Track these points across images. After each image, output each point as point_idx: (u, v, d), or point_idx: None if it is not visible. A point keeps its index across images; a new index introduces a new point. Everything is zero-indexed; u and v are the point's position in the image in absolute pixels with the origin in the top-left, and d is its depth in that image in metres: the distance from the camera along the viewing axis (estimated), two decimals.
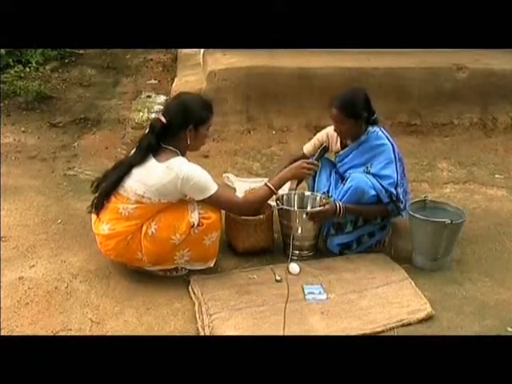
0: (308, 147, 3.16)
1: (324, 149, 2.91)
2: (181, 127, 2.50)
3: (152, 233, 2.50)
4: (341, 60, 4.61)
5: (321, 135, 3.13)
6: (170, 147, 2.51)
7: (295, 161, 2.88)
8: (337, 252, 2.91)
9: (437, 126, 4.62)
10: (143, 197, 2.48)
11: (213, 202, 2.54)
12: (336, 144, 3.07)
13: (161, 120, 2.51)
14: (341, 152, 3.01)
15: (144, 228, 2.51)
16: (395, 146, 2.90)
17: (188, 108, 2.52)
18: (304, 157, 3.06)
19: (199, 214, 2.52)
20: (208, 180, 2.50)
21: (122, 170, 2.52)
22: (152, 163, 2.48)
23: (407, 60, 4.67)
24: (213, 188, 2.50)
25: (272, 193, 2.64)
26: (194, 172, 2.48)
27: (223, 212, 2.82)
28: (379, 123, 2.95)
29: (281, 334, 2.27)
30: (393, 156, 2.86)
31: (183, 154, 2.56)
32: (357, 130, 2.87)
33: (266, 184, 2.66)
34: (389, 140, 2.91)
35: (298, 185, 2.86)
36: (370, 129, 2.89)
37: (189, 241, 2.52)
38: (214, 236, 2.58)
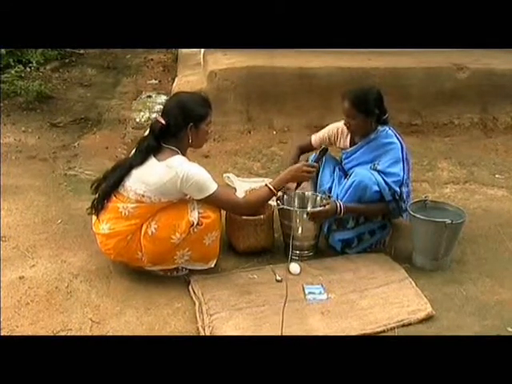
0: (316, 138, 3.15)
1: (323, 151, 2.90)
2: (181, 127, 2.51)
3: (152, 232, 2.50)
4: (341, 60, 4.61)
5: (331, 128, 3.11)
6: (171, 147, 2.52)
7: (301, 151, 2.99)
8: (338, 248, 2.91)
9: (437, 125, 4.62)
10: (143, 196, 2.48)
11: (212, 202, 2.54)
12: (346, 140, 3.06)
13: (160, 122, 2.51)
14: (348, 149, 3.01)
15: (144, 227, 2.51)
16: (404, 146, 2.91)
17: (186, 107, 2.53)
18: (310, 146, 3.11)
19: (199, 213, 2.52)
20: (208, 179, 2.50)
21: (122, 171, 2.53)
22: (152, 162, 2.49)
23: (407, 60, 4.67)
24: (212, 187, 2.50)
25: (272, 194, 2.65)
26: (194, 171, 2.48)
27: (224, 212, 2.83)
28: (389, 123, 2.95)
29: (283, 334, 2.27)
30: (401, 155, 2.86)
31: (184, 153, 2.57)
32: (367, 126, 2.88)
33: (266, 185, 2.66)
34: (398, 139, 2.91)
35: (297, 187, 2.85)
36: (380, 128, 2.90)
37: (189, 240, 2.52)
38: (214, 235, 2.58)
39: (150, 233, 2.50)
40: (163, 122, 2.50)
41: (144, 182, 2.47)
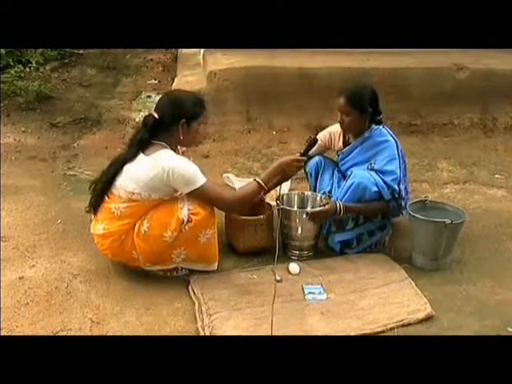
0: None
1: (310, 142, 2.82)
2: (173, 122, 2.52)
3: (144, 231, 2.50)
4: (341, 60, 4.61)
5: (323, 134, 3.13)
6: (160, 142, 2.53)
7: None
8: (337, 250, 2.91)
9: (437, 125, 4.62)
10: (133, 193, 2.49)
11: (201, 196, 2.51)
12: (338, 142, 3.08)
13: (153, 116, 2.53)
14: (344, 150, 3.02)
15: (136, 227, 2.52)
16: (398, 143, 2.92)
17: (180, 103, 2.55)
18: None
19: (188, 210, 2.50)
20: (195, 173, 2.49)
21: (116, 168, 2.55)
22: (140, 158, 2.50)
23: (407, 60, 4.67)
24: (200, 181, 2.49)
25: (261, 188, 2.61)
26: (180, 164, 2.48)
27: (223, 213, 2.83)
28: (383, 124, 2.97)
29: (282, 334, 2.27)
30: (396, 152, 2.87)
31: (174, 149, 2.57)
32: (360, 124, 2.89)
33: (254, 179, 2.64)
34: (392, 137, 2.93)
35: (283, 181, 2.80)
36: (374, 127, 2.91)
37: (183, 239, 2.52)
38: (208, 233, 2.56)
39: (142, 232, 2.51)
40: (156, 116, 2.52)
41: (133, 179, 2.49)
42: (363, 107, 2.84)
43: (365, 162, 2.90)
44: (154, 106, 2.65)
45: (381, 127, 2.94)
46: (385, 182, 2.80)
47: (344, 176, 2.98)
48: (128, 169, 2.51)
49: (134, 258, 2.57)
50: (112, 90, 5.42)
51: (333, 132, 3.10)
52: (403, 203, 2.87)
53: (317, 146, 3.02)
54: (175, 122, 2.52)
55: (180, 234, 2.49)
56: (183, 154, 2.71)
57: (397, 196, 2.82)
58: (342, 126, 2.95)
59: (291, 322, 2.36)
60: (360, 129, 2.92)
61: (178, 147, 2.68)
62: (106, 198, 2.55)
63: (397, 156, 2.87)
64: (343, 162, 3.02)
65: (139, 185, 2.48)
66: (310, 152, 2.95)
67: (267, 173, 2.66)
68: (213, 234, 2.60)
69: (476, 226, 3.20)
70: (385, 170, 2.83)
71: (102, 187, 2.56)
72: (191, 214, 2.50)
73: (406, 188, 2.93)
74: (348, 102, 2.83)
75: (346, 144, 3.03)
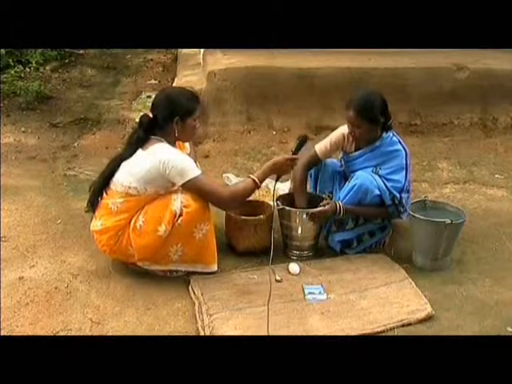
0: (322, 148, 3.00)
1: (301, 141, 2.76)
2: (167, 120, 2.54)
3: (140, 226, 2.51)
4: (341, 60, 4.60)
5: (337, 136, 3.01)
6: (157, 137, 2.54)
7: (309, 167, 2.95)
8: (337, 249, 2.91)
9: (437, 126, 4.61)
10: (129, 187, 2.50)
11: (195, 188, 2.51)
12: (351, 145, 2.99)
13: (148, 116, 2.55)
14: (352, 153, 2.97)
15: (132, 222, 2.53)
16: (408, 152, 2.89)
17: (173, 101, 2.57)
18: (317, 158, 3.00)
19: (181, 203, 2.50)
20: (189, 165, 2.51)
21: (113, 166, 2.57)
22: (138, 153, 2.53)
23: (407, 60, 4.67)
24: (194, 172, 2.50)
25: (256, 185, 2.61)
26: (176, 156, 2.50)
27: (223, 212, 2.83)
28: (393, 128, 2.92)
29: (283, 333, 2.27)
30: (404, 162, 2.85)
31: (172, 145, 2.58)
32: (372, 134, 2.84)
33: (249, 176, 2.64)
34: (402, 146, 2.89)
35: (277, 179, 2.79)
36: (385, 135, 2.87)
37: (177, 234, 2.51)
38: (203, 228, 2.55)
39: (138, 227, 2.52)
40: (151, 115, 2.54)
41: (130, 173, 2.51)
42: (374, 118, 2.77)
43: (371, 168, 2.87)
44: (150, 104, 2.67)
45: (391, 135, 2.89)
46: (387, 186, 2.78)
47: (345, 178, 2.97)
48: (126, 165, 2.54)
49: (131, 254, 2.57)
50: (112, 90, 5.42)
51: (347, 134, 2.95)
52: (402, 210, 2.85)
53: (329, 147, 2.99)
54: (169, 119, 2.54)
55: (174, 228, 2.49)
56: (189, 155, 2.72)
57: (397, 202, 2.81)
58: (353, 137, 2.89)
59: (291, 322, 2.36)
60: (372, 138, 2.86)
61: (180, 146, 2.68)
62: (104, 194, 2.57)
63: (404, 166, 2.84)
64: (349, 164, 2.98)
65: (136, 178, 2.49)
66: (319, 153, 2.95)
67: (262, 171, 2.67)
68: (209, 230, 2.59)
69: (476, 226, 3.20)
70: (390, 178, 2.80)
71: (100, 185, 2.59)
72: (183, 206, 2.49)
73: (408, 197, 2.90)
74: (359, 115, 2.76)
75: (356, 148, 2.97)
